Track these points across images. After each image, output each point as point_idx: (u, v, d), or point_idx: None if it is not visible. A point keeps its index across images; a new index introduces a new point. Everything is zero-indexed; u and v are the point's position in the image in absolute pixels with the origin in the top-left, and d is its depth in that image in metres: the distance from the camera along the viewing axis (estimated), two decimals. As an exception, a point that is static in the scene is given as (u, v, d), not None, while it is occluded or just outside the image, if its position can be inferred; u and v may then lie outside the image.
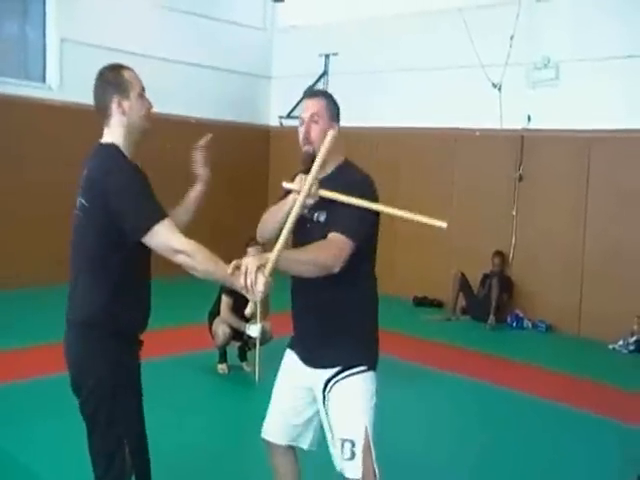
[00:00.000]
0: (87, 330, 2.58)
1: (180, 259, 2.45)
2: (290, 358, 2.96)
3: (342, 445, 2.71)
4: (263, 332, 5.77)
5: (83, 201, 2.54)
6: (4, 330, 6.91)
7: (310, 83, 11.15)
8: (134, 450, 2.63)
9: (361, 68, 10.41)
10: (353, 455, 2.69)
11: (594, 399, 6.05)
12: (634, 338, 7.71)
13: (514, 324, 8.71)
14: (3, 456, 4.21)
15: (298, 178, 2.68)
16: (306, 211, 2.71)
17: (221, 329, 5.90)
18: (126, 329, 2.66)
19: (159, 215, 2.47)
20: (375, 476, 2.72)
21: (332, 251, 2.57)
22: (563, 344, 8.11)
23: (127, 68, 2.71)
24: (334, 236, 2.61)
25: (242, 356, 6.25)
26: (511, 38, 8.55)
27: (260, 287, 2.37)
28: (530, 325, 8.62)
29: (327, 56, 11.02)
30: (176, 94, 10.10)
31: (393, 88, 10.10)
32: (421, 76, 9.79)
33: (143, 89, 2.71)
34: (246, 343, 6.15)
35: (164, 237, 2.45)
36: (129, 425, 2.64)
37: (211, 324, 6.05)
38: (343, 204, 2.62)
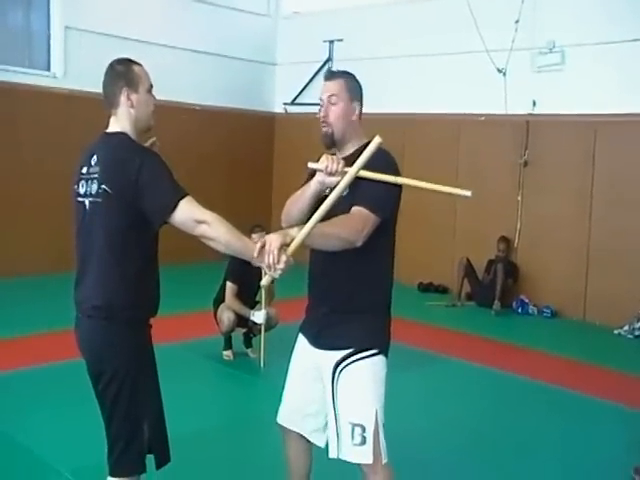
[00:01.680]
0: (106, 316, 2.59)
1: (202, 229, 2.49)
2: (301, 343, 2.94)
3: (352, 430, 2.68)
4: (268, 318, 5.80)
5: (104, 187, 2.54)
6: (4, 318, 6.96)
7: (314, 70, 11.15)
8: (153, 432, 2.68)
9: (365, 54, 10.36)
10: (364, 440, 2.67)
11: (599, 384, 6.05)
12: (639, 324, 7.71)
13: (519, 309, 8.72)
14: (6, 440, 4.25)
15: (324, 157, 2.65)
16: (328, 190, 2.69)
17: (226, 315, 5.92)
18: (143, 314, 2.70)
19: (182, 192, 2.51)
20: (383, 461, 2.71)
21: (355, 225, 2.57)
22: (568, 329, 8.12)
23: (137, 63, 2.74)
24: (358, 210, 2.60)
25: (247, 342, 6.27)
26: (516, 22, 8.52)
27: (281, 265, 2.38)
28: (535, 310, 8.63)
29: (331, 42, 11.01)
30: (180, 81, 10.09)
31: (397, 74, 10.07)
32: (426, 62, 9.76)
33: (151, 86, 2.74)
34: (251, 329, 6.17)
35: (187, 210, 2.48)
36: (149, 408, 2.68)
37: (216, 311, 6.07)
38: (366, 180, 2.60)
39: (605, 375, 6.35)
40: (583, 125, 8.35)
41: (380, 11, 10.38)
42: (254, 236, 5.84)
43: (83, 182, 2.65)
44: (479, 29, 8.67)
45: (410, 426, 4.73)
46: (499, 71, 8.81)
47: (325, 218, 2.55)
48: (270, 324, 5.89)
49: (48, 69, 9.38)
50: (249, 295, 6.01)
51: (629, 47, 7.88)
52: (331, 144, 2.83)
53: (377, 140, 2.45)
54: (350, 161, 2.63)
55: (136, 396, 2.63)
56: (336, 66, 10.96)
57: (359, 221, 2.58)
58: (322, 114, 2.81)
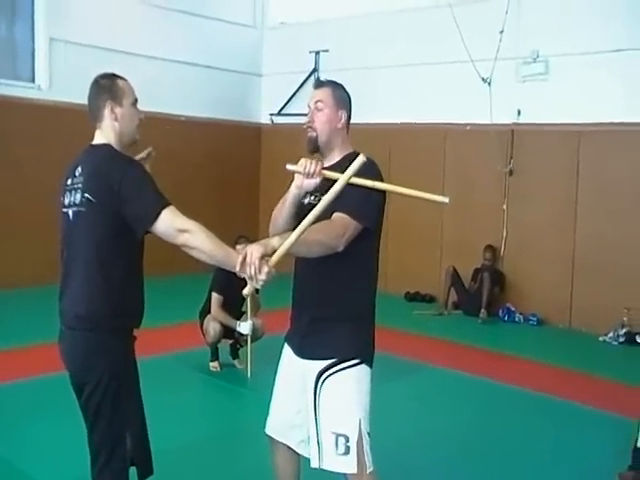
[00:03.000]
0: (88, 327, 2.60)
1: (184, 238, 2.48)
2: (286, 353, 2.94)
3: (336, 440, 2.68)
4: (254, 329, 5.79)
5: (87, 196, 2.55)
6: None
7: (301, 80, 11.18)
8: (136, 443, 2.67)
9: (351, 64, 10.40)
10: (348, 450, 2.67)
11: (586, 391, 6.08)
12: (624, 330, 7.76)
13: (506, 318, 8.75)
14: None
15: (302, 160, 2.66)
16: (312, 197, 2.75)
17: (212, 326, 5.90)
18: (126, 324, 2.70)
19: (164, 202, 2.52)
20: (368, 470, 2.71)
21: (336, 230, 2.58)
22: (554, 337, 8.15)
23: (122, 78, 2.76)
24: (339, 216, 2.61)
25: (234, 353, 6.25)
26: (500, 33, 8.58)
27: (262, 276, 2.37)
28: (522, 318, 8.66)
29: (317, 53, 11.05)
30: (166, 92, 10.09)
31: (383, 84, 10.12)
32: (411, 72, 9.80)
33: (136, 100, 2.76)
34: (237, 340, 6.16)
35: (170, 220, 2.49)
36: (131, 419, 2.67)
37: (202, 322, 6.05)
38: (347, 186, 2.59)
39: (591, 382, 6.38)
40: (567, 134, 8.41)
41: (365, 22, 10.43)
42: (238, 247, 5.79)
43: (67, 193, 2.66)
44: (464, 39, 8.72)
45: (397, 435, 4.73)
46: (484, 81, 8.87)
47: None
48: (256, 335, 5.88)
49: (33, 81, 9.35)
50: (235, 306, 6.00)
51: (613, 57, 7.95)
52: (314, 148, 2.87)
53: (362, 159, 2.43)
54: (335, 169, 2.65)
55: (118, 407, 2.63)
56: (322, 76, 10.98)
57: (340, 226, 2.59)
58: (307, 119, 2.86)
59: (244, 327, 5.76)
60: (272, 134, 11.85)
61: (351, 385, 2.72)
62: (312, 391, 2.74)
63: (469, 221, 9.32)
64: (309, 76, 11.16)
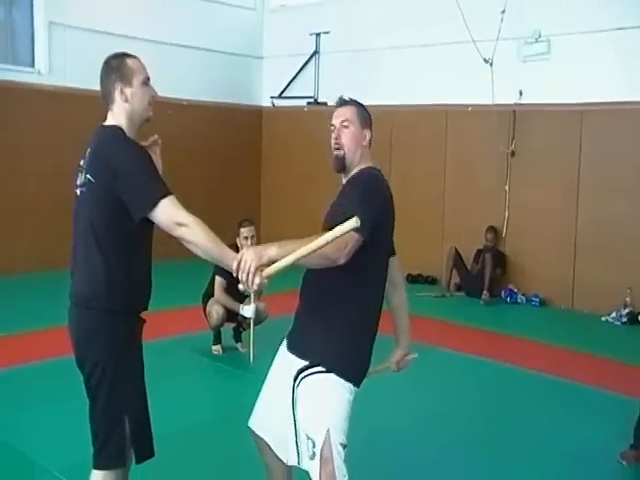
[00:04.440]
0: (92, 305, 2.61)
1: (180, 231, 2.47)
2: (282, 346, 2.91)
3: (307, 442, 2.65)
4: (257, 312, 5.78)
5: (89, 176, 2.56)
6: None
7: (302, 62, 11.14)
8: (135, 426, 2.67)
9: (352, 46, 10.38)
10: (313, 455, 2.62)
11: (588, 371, 6.10)
12: (626, 310, 7.77)
13: (508, 299, 8.76)
14: None
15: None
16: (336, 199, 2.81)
17: (215, 310, 5.92)
18: (128, 306, 2.69)
19: (165, 190, 2.50)
20: None
21: (336, 243, 2.46)
22: (557, 317, 8.17)
23: (132, 56, 2.73)
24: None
25: (236, 337, 6.27)
26: (502, 12, 8.51)
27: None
28: (524, 299, 8.68)
29: (318, 35, 10.99)
30: (167, 76, 10.00)
31: (384, 65, 10.07)
32: (412, 53, 9.75)
33: (148, 78, 2.73)
34: (240, 324, 6.17)
35: (168, 210, 2.47)
36: (130, 401, 2.68)
37: (205, 305, 6.07)
38: (350, 194, 2.66)
39: (593, 362, 6.40)
40: (569, 114, 8.38)
41: (366, 3, 10.35)
42: (243, 230, 5.86)
43: (79, 174, 2.67)
44: (465, 20, 8.66)
45: (398, 416, 4.76)
46: (485, 61, 8.82)
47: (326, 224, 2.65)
48: (259, 318, 5.89)
49: (32, 65, 9.31)
50: (238, 289, 5.99)
51: (615, 36, 7.91)
52: (341, 168, 2.83)
53: (353, 224, 2.30)
54: (348, 182, 2.78)
55: (117, 388, 2.63)
56: (323, 58, 10.97)
57: (341, 239, 2.47)
58: (334, 137, 2.83)
59: (247, 310, 5.75)
60: (273, 117, 11.81)
61: (323, 391, 2.66)
62: (290, 390, 2.71)
63: (471, 202, 9.31)
64: (310, 58, 11.11)
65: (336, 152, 2.82)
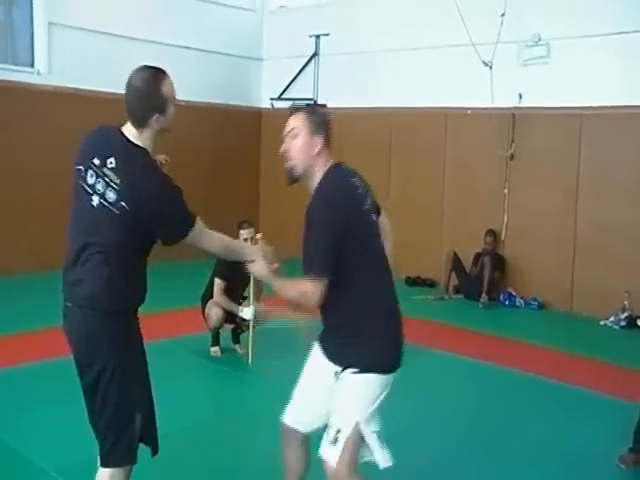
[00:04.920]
0: (99, 309, 2.62)
1: (205, 251, 2.79)
2: (316, 350, 2.97)
3: (330, 428, 2.75)
4: (256, 314, 5.79)
5: (124, 204, 2.56)
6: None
7: (301, 64, 11.14)
8: (144, 423, 2.71)
9: (352, 48, 10.37)
10: (336, 440, 2.71)
11: (587, 374, 6.09)
12: (625, 314, 7.77)
13: (507, 302, 8.75)
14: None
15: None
16: None
17: (214, 312, 5.91)
18: (133, 306, 2.75)
19: (191, 220, 2.67)
20: (351, 473, 2.72)
21: (305, 290, 2.67)
22: (555, 321, 8.16)
23: (164, 79, 2.72)
24: (305, 281, 2.66)
25: (235, 338, 6.26)
26: (502, 15, 8.52)
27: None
28: (522, 303, 8.67)
29: (318, 37, 10.99)
30: (166, 77, 10.04)
31: (384, 68, 10.07)
32: (412, 55, 9.75)
33: (175, 95, 2.77)
34: (239, 325, 6.16)
35: (195, 240, 2.71)
36: (140, 399, 2.71)
37: (204, 307, 6.05)
38: (309, 229, 2.73)
39: (592, 366, 6.39)
40: (569, 117, 8.38)
41: (366, 5, 10.36)
42: (242, 232, 5.86)
43: (92, 174, 2.63)
44: (465, 22, 8.66)
45: (398, 419, 4.74)
46: (485, 64, 8.82)
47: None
48: (258, 320, 5.88)
49: (32, 65, 9.29)
50: (237, 291, 6.00)
51: (615, 40, 7.91)
52: (293, 180, 2.86)
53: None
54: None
55: (128, 386, 2.66)
56: (323, 60, 10.97)
57: (308, 291, 2.66)
58: (282, 148, 2.82)
59: (247, 312, 5.76)
60: (273, 118, 11.77)
61: (357, 387, 2.75)
62: (330, 382, 2.82)
63: (470, 205, 9.31)
64: (310, 60, 11.11)
65: (287, 164, 2.82)
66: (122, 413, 2.66)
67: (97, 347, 2.64)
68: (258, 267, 2.83)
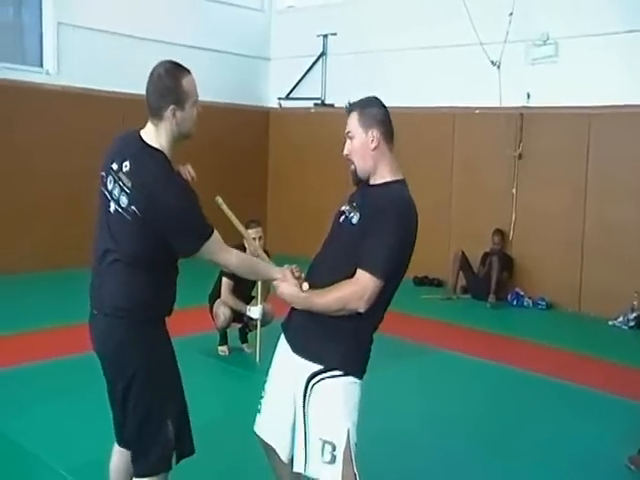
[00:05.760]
0: (129, 317, 2.59)
1: (221, 265, 2.79)
2: (281, 346, 2.86)
3: (322, 447, 2.62)
4: (264, 314, 5.79)
5: (135, 210, 2.49)
6: (6, 314, 6.94)
7: (309, 64, 11.15)
8: (178, 428, 2.68)
9: (359, 48, 10.37)
10: (334, 459, 2.59)
11: (595, 375, 6.07)
12: (634, 314, 7.74)
13: (514, 302, 8.73)
14: (1, 438, 4.24)
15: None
16: (347, 206, 2.74)
17: (222, 311, 5.92)
18: (163, 313, 2.72)
19: (207, 232, 2.56)
20: None
21: (354, 290, 2.55)
22: (563, 321, 8.14)
23: (187, 73, 2.66)
24: (360, 274, 2.55)
25: (243, 338, 6.27)
26: (510, 15, 8.51)
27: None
28: (530, 303, 8.65)
29: (325, 36, 11.00)
30: (174, 77, 10.06)
31: (391, 67, 10.06)
32: (420, 55, 9.75)
33: (197, 97, 2.70)
34: (247, 325, 6.17)
35: (210, 253, 2.60)
36: (173, 404, 2.68)
37: (212, 306, 6.07)
38: (375, 220, 2.59)
39: (600, 366, 6.37)
40: (577, 117, 8.36)
41: (373, 5, 10.36)
42: (250, 231, 5.84)
43: (111, 179, 2.58)
44: (473, 22, 8.67)
45: (404, 418, 4.75)
46: (493, 64, 8.81)
47: (331, 240, 2.76)
48: (266, 319, 5.88)
49: (41, 65, 9.32)
50: (245, 290, 6.01)
51: (624, 38, 7.88)
52: (357, 181, 2.79)
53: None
54: (371, 192, 2.71)
55: (158, 395, 2.63)
56: (330, 60, 10.97)
57: (358, 287, 2.54)
58: (344, 152, 2.77)
59: (254, 312, 5.76)
60: (280, 118, 11.82)
61: (339, 394, 2.64)
62: (301, 395, 2.67)
63: (478, 205, 9.29)
64: (317, 59, 11.12)
65: (350, 166, 2.77)
66: (154, 420, 2.62)
67: (126, 354, 2.60)
68: (288, 289, 2.67)
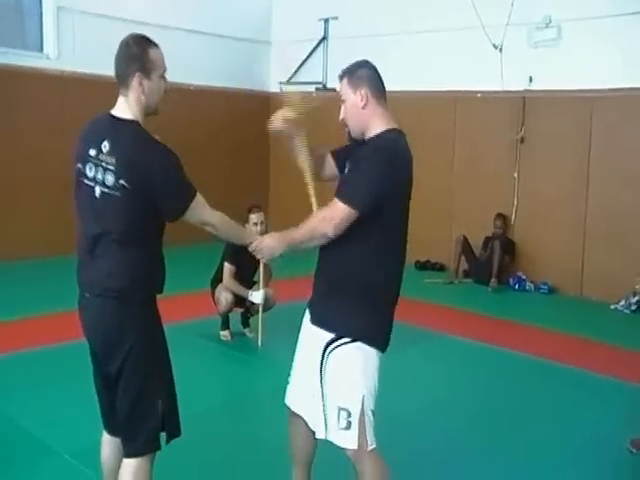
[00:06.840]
0: (122, 297, 2.60)
1: (208, 229, 2.74)
2: (305, 318, 2.94)
3: (339, 413, 2.70)
4: (266, 298, 5.80)
5: (124, 183, 2.50)
6: (2, 300, 6.97)
7: (310, 48, 11.09)
8: (167, 409, 2.70)
9: (361, 32, 10.30)
10: (349, 425, 2.68)
11: (597, 359, 6.09)
12: (636, 298, 7.74)
13: (516, 286, 8.73)
14: (5, 422, 4.27)
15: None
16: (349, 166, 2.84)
17: (223, 296, 5.92)
18: (154, 293, 2.75)
19: (193, 191, 2.63)
20: (369, 447, 2.71)
21: (323, 215, 2.67)
22: (565, 305, 8.15)
23: (154, 45, 2.68)
24: (333, 202, 2.66)
25: (245, 322, 6.28)
26: (512, -3, 8.46)
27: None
28: (532, 287, 8.65)
29: (326, 20, 10.94)
30: (174, 61, 9.89)
31: (393, 51, 9.99)
32: (421, 39, 9.69)
33: (164, 71, 2.71)
34: (249, 309, 6.18)
35: (197, 212, 2.65)
36: (163, 385, 2.70)
37: (214, 291, 6.07)
38: (355, 168, 2.72)
39: (602, 350, 6.38)
40: (580, 100, 8.32)
41: (375, -12, 10.29)
42: (252, 216, 5.86)
43: (91, 165, 2.59)
44: (475, 5, 8.61)
45: (407, 402, 4.76)
46: (495, 47, 8.77)
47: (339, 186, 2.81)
48: (268, 304, 5.90)
49: (41, 50, 9.29)
50: (247, 275, 6.01)
51: (626, 21, 7.83)
52: (352, 141, 2.90)
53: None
54: (360, 147, 2.79)
55: (151, 374, 2.66)
56: (331, 44, 10.91)
57: (328, 210, 2.66)
58: (340, 116, 2.88)
59: (256, 296, 5.77)
60: (281, 103, 11.66)
61: (355, 361, 2.70)
62: (319, 363, 2.75)
63: (480, 189, 9.27)
64: (318, 44, 11.06)
65: (346, 128, 2.88)
66: (146, 400, 2.64)
67: (120, 334, 2.61)
68: (267, 238, 2.81)
